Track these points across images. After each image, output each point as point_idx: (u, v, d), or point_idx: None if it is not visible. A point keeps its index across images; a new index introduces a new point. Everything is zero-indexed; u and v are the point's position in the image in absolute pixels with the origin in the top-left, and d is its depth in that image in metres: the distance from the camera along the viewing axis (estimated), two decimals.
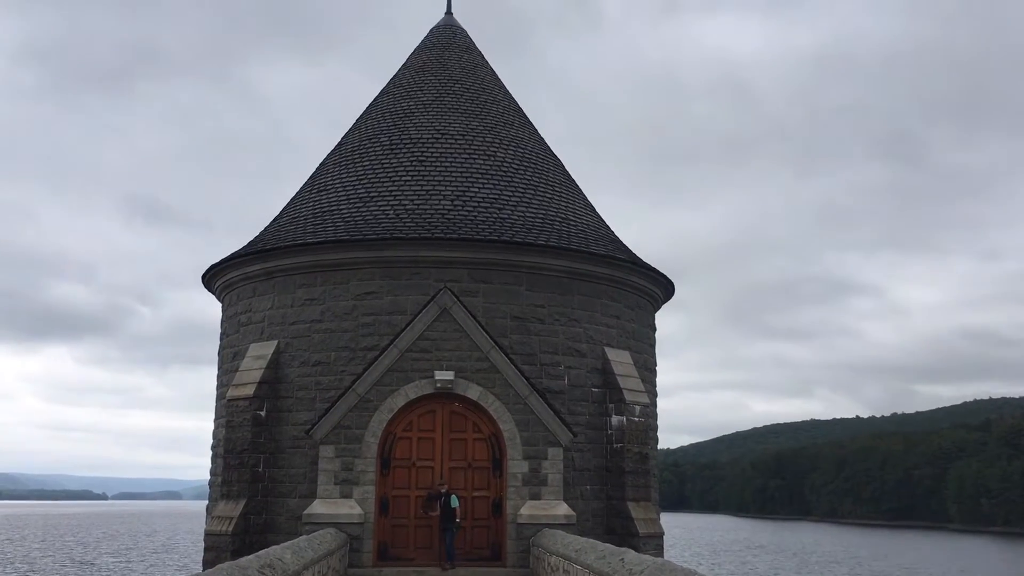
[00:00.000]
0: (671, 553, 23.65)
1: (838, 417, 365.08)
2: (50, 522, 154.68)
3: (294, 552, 12.37)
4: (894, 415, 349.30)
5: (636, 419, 22.73)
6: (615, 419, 22.57)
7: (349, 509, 19.47)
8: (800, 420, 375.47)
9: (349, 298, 22.25)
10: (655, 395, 25.41)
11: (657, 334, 26.54)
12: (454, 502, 18.90)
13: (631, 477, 22.24)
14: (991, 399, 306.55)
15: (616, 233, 26.44)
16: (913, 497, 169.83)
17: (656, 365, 26.09)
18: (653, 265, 25.13)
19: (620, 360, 23.31)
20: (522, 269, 22.48)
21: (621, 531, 21.81)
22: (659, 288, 25.72)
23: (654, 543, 22.04)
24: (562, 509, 19.80)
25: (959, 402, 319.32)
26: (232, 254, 24.13)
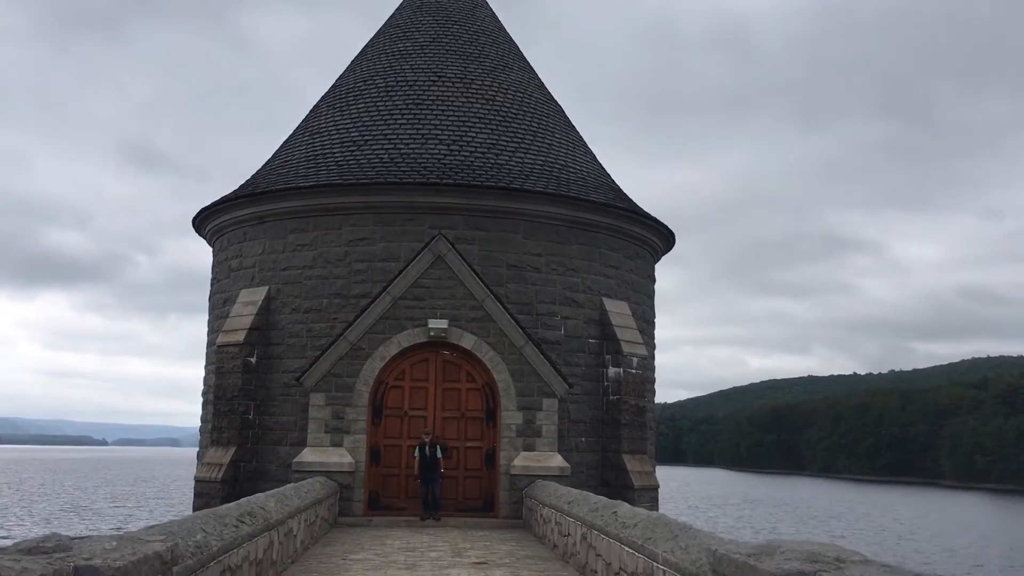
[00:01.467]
0: (666, 506, 23.43)
1: (835, 374, 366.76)
2: (49, 467, 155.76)
3: (278, 500, 12.00)
4: (891, 372, 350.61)
5: (633, 371, 22.36)
6: (612, 371, 22.19)
7: (339, 458, 19.16)
8: (797, 376, 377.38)
9: (342, 244, 21.74)
10: (653, 347, 25.02)
11: (655, 287, 26.06)
12: (439, 452, 18.58)
13: (627, 430, 21.92)
14: (989, 357, 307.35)
15: (616, 182, 25.82)
16: (908, 453, 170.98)
17: (655, 317, 25.65)
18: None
19: (618, 311, 22.88)
20: (519, 216, 21.94)
21: (616, 484, 21.55)
22: (659, 238, 25.19)
23: (649, 496, 21.79)
24: (556, 461, 19.49)
25: (956, 360, 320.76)
26: (223, 198, 23.57)
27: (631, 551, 9.42)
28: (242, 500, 10.69)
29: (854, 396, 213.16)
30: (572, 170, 23.61)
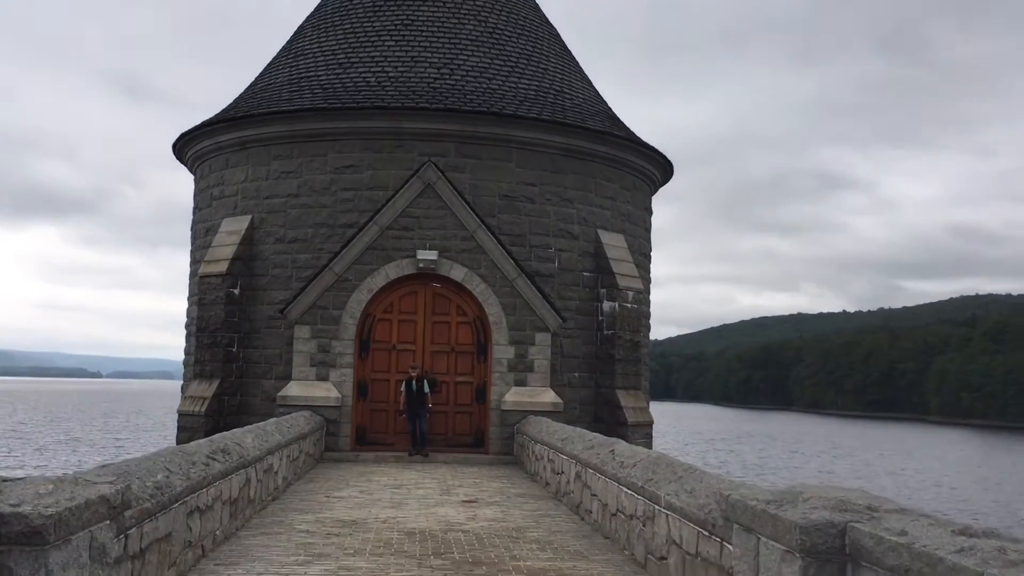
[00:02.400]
0: (659, 442, 23.03)
1: (824, 311, 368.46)
2: (43, 399, 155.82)
3: (257, 436, 11.40)
4: (880, 310, 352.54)
5: (629, 305, 21.73)
6: (607, 305, 21.56)
7: (325, 392, 18.59)
8: (787, 314, 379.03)
9: (327, 171, 20.87)
10: (649, 281, 24.36)
11: (652, 220, 25.30)
12: (426, 388, 17.99)
13: (621, 365, 21.37)
14: (977, 295, 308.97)
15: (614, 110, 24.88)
16: (895, 390, 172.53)
17: (651, 251, 24.95)
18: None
19: (614, 244, 22.16)
20: (513, 144, 21.07)
21: (609, 420, 21.08)
22: (657, 169, 24.35)
23: (643, 432, 21.35)
24: (549, 396, 18.96)
25: (945, 298, 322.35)
26: (203, 122, 22.59)
27: (630, 492, 8.85)
28: (216, 436, 10.08)
29: (843, 334, 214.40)
30: (568, 96, 22.66)
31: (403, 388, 18.04)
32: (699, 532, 6.70)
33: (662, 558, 7.64)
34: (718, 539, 6.30)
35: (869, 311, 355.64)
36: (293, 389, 18.63)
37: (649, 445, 21.55)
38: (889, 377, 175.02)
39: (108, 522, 5.21)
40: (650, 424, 21.91)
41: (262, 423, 13.31)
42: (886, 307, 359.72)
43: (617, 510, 9.38)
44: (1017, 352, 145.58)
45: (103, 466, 6.31)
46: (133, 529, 5.96)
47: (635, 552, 8.61)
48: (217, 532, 8.61)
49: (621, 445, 10.50)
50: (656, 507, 7.90)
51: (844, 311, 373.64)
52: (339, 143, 20.83)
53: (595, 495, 10.53)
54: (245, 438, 10.75)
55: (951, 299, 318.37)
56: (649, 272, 24.52)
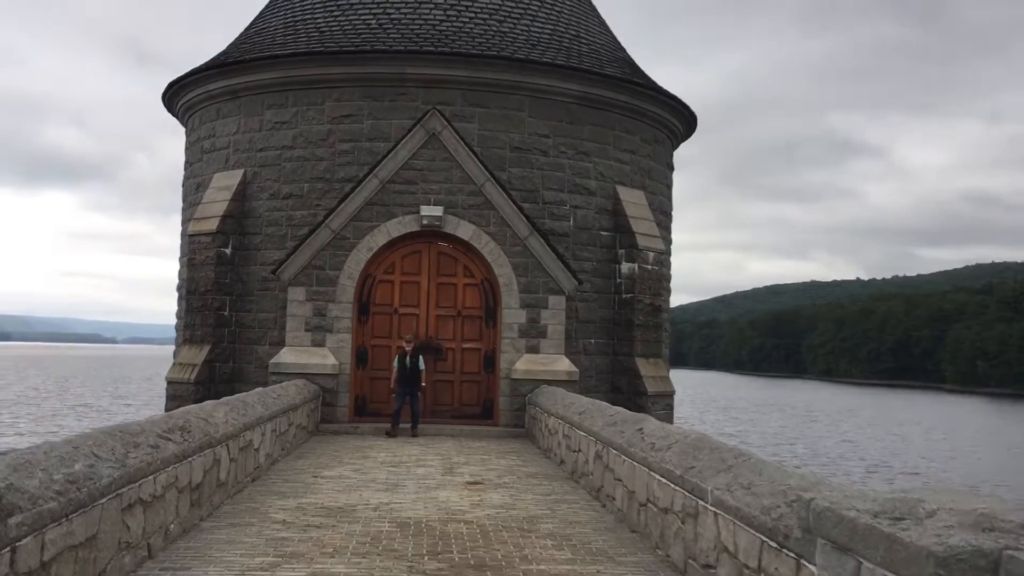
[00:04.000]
0: (676, 412, 21.58)
1: (839, 279, 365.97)
2: (58, 363, 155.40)
3: (232, 409, 9.98)
4: (895, 278, 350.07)
5: (649, 267, 20.20)
6: (625, 266, 20.04)
7: (321, 359, 17.18)
8: (801, 281, 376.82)
9: (324, 121, 19.32)
10: (670, 242, 22.80)
11: (674, 176, 23.68)
12: (421, 363, 16.38)
13: (641, 331, 19.89)
14: (993, 263, 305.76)
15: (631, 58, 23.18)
16: (910, 358, 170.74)
17: (672, 209, 23.37)
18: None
19: (633, 201, 20.59)
20: (524, 92, 19.45)
21: (628, 389, 19.65)
22: (680, 121, 22.69)
23: (663, 403, 19.92)
24: (563, 364, 17.51)
25: (960, 266, 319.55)
26: (192, 70, 21.00)
27: (665, 481, 7.40)
28: (179, 410, 8.66)
29: (857, 301, 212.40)
30: (584, 41, 20.98)
31: (396, 362, 16.40)
32: (763, 542, 5.23)
33: (708, 566, 6.19)
34: (792, 555, 4.83)
35: (884, 279, 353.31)
36: (286, 356, 17.23)
37: (670, 416, 20.13)
38: (904, 345, 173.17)
39: None
40: (671, 394, 20.46)
41: (243, 394, 11.90)
42: (901, 275, 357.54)
43: (648, 500, 7.93)
44: None
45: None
46: (27, 539, 4.53)
47: (671, 553, 7.17)
48: (171, 526, 7.21)
49: (650, 423, 9.04)
50: (700, 502, 6.44)
51: (858, 279, 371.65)
52: (337, 91, 19.26)
53: (619, 480, 9.09)
54: (216, 412, 9.33)
55: (966, 267, 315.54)
56: (670, 232, 22.96)
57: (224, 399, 10.67)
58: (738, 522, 5.64)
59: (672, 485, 7.20)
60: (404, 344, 16.37)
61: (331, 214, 17.46)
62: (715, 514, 6.12)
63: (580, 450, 11.38)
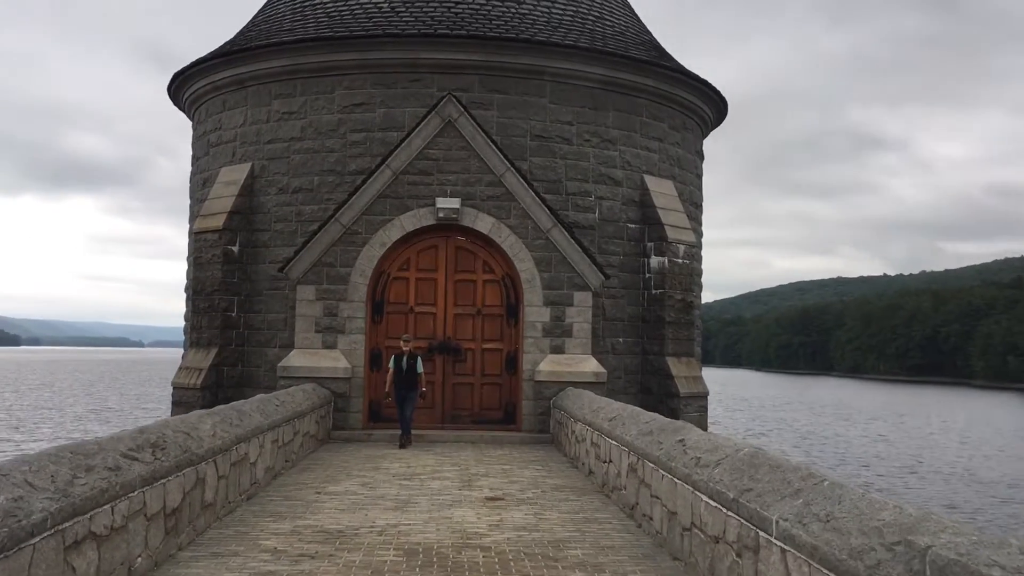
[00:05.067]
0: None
1: (865, 275, 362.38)
2: (84, 368, 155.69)
3: (222, 420, 8.97)
4: (922, 273, 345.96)
5: (680, 261, 19.05)
6: (655, 260, 18.90)
7: (333, 362, 16.18)
8: (826, 277, 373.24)
9: (334, 111, 18.32)
10: (701, 234, 21.62)
11: (704, 165, 22.50)
12: (419, 366, 15.12)
13: (672, 329, 18.75)
14: (1022, 257, 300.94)
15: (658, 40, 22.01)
16: (939, 354, 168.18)
17: (703, 200, 22.19)
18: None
19: (662, 191, 19.45)
20: (546, 76, 18.36)
21: (658, 391, 18.52)
22: (710, 107, 21.50)
23: (697, 405, 18.77)
24: (590, 365, 16.41)
25: (988, 260, 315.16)
26: (197, 59, 20.07)
27: (715, 505, 6.29)
28: (155, 424, 7.64)
29: (884, 297, 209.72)
30: (608, 23, 19.86)
31: (392, 364, 15.11)
32: None
33: None
34: None
35: (911, 274, 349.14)
36: (296, 359, 16.24)
37: (704, 419, 18.99)
38: (933, 341, 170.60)
39: None
40: (705, 395, 19.29)
41: (240, 402, 10.89)
42: (928, 270, 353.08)
43: (693, 525, 6.83)
44: None
45: None
46: None
47: None
48: (138, 560, 6.19)
49: (692, 432, 7.92)
50: (762, 534, 5.33)
51: (885, 274, 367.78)
52: (347, 78, 18.26)
53: (657, 497, 7.99)
54: (202, 424, 8.31)
55: (994, 260, 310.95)
56: (701, 224, 21.78)
57: (216, 408, 9.66)
58: (816, 564, 4.53)
59: (724, 510, 6.08)
60: (401, 344, 15.14)
61: (341, 208, 16.45)
62: (782, 550, 5.00)
63: (611, 461, 10.29)
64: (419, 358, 15.02)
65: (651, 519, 8.23)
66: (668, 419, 9.21)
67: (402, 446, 14.63)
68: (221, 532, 7.91)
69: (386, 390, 15.05)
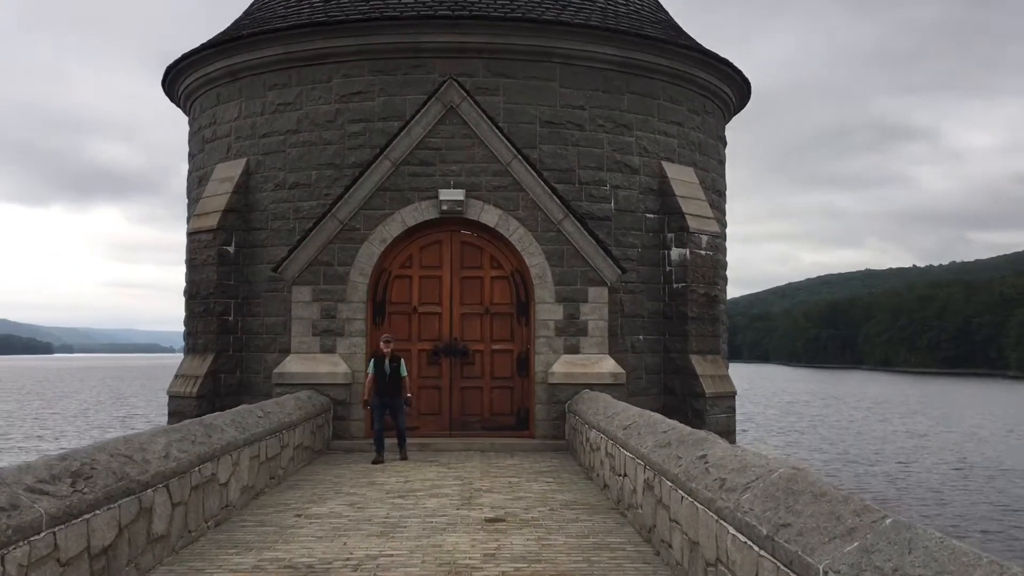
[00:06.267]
0: (736, 409, 19.12)
1: (894, 267, 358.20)
2: (113, 375, 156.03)
3: (183, 437, 7.92)
4: (952, 264, 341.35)
5: (702, 252, 17.85)
6: (676, 252, 17.70)
7: (332, 367, 15.14)
8: (855, 270, 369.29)
9: (332, 100, 17.28)
10: (724, 224, 20.39)
11: (727, 151, 21.26)
12: (402, 370, 13.74)
13: (695, 325, 17.54)
14: None
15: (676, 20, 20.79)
16: (972, 345, 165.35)
17: (726, 188, 20.96)
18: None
19: (682, 178, 18.25)
20: (555, 58, 17.22)
21: (682, 391, 17.33)
22: (732, 89, 20.27)
23: (724, 405, 17.55)
24: (607, 365, 15.26)
25: (1020, 248, 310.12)
26: (189, 51, 19.10)
27: (744, 540, 5.14)
28: (88, 447, 6.58)
29: (914, 289, 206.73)
30: (620, 1, 18.67)
31: (371, 368, 13.68)
32: None
33: None
34: None
35: (940, 265, 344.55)
36: (292, 364, 15.22)
37: (732, 420, 17.78)
38: (965, 332, 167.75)
39: None
40: (732, 395, 18.07)
41: (214, 415, 9.85)
42: (958, 260, 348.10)
43: (719, 560, 5.68)
44: None
45: None
46: None
47: None
48: None
49: (716, 446, 6.77)
50: None
51: (914, 266, 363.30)
52: (345, 66, 17.21)
53: (677, 523, 6.85)
54: (152, 443, 7.26)
55: None
56: (725, 213, 20.55)
57: (180, 424, 8.62)
58: None
59: (755, 547, 4.93)
60: (382, 345, 13.65)
61: (338, 202, 15.41)
62: None
63: (625, 475, 9.15)
64: (402, 360, 13.65)
65: (670, 547, 7.08)
66: (689, 429, 8.05)
67: (379, 463, 12.83)
68: (172, 570, 6.86)
69: (364, 398, 13.66)
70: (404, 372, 13.48)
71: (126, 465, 6.54)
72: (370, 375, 13.40)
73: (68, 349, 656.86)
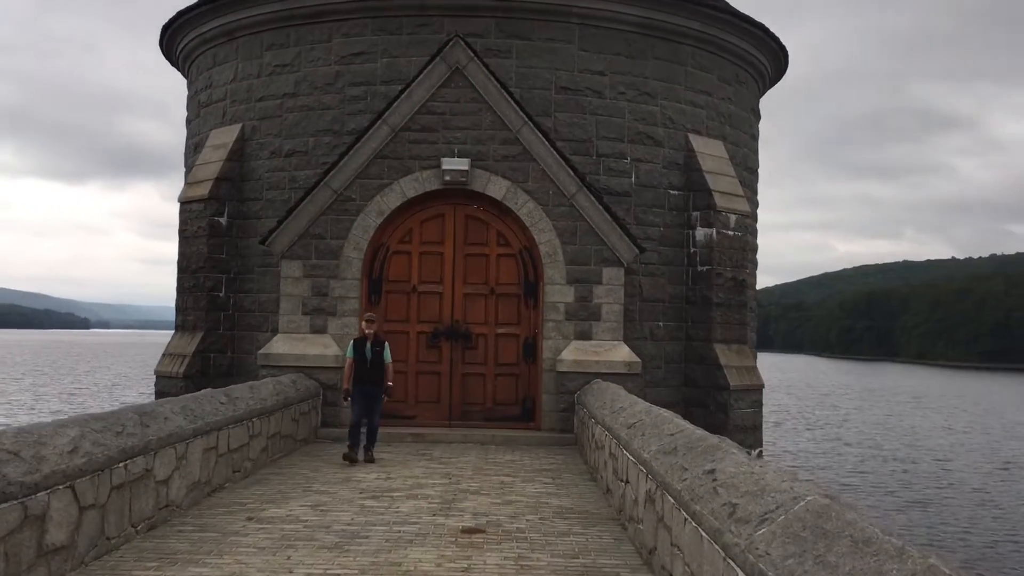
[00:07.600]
0: (770, 399, 17.94)
1: (932, 258, 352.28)
2: (149, 351, 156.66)
3: (107, 427, 6.75)
4: (992, 256, 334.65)
5: (730, 232, 16.45)
6: (701, 232, 16.33)
7: (322, 348, 13.98)
8: (892, 261, 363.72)
9: (332, 62, 16.06)
10: (756, 204, 18.96)
11: (761, 126, 19.79)
12: (387, 355, 12.05)
13: (721, 311, 16.18)
14: None
15: None
16: (1011, 339, 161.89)
17: (758, 166, 19.51)
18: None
19: (710, 152, 16.85)
20: (573, 18, 15.86)
21: (705, 382, 16.00)
22: (768, 58, 18.79)
23: (750, 399, 16.20)
24: (621, 353, 13.95)
25: None
26: (184, 8, 17.94)
27: None
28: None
29: (953, 281, 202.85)
30: None
31: (350, 352, 11.73)
32: None
33: None
34: None
35: (980, 257, 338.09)
36: (279, 345, 14.08)
37: (758, 415, 16.43)
38: (1004, 326, 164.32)
39: None
40: (760, 388, 16.69)
41: (157, 400, 8.75)
42: (998, 253, 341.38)
43: None
44: None
45: None
46: None
47: None
48: None
49: (727, 459, 5.47)
50: None
51: (953, 258, 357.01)
52: (346, 24, 15.97)
53: (679, 549, 5.57)
54: (55, 438, 6.09)
55: None
56: (756, 192, 19.12)
57: (109, 411, 7.44)
58: None
59: None
60: (363, 326, 12.01)
61: (332, 170, 14.19)
62: None
63: (628, 481, 7.87)
64: (386, 344, 11.95)
65: (670, 573, 5.81)
66: (701, 433, 6.73)
67: (352, 461, 11.10)
68: None
69: (344, 386, 11.92)
70: (388, 358, 11.79)
71: (14, 463, 5.37)
72: (350, 360, 11.67)
73: (105, 325, 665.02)
